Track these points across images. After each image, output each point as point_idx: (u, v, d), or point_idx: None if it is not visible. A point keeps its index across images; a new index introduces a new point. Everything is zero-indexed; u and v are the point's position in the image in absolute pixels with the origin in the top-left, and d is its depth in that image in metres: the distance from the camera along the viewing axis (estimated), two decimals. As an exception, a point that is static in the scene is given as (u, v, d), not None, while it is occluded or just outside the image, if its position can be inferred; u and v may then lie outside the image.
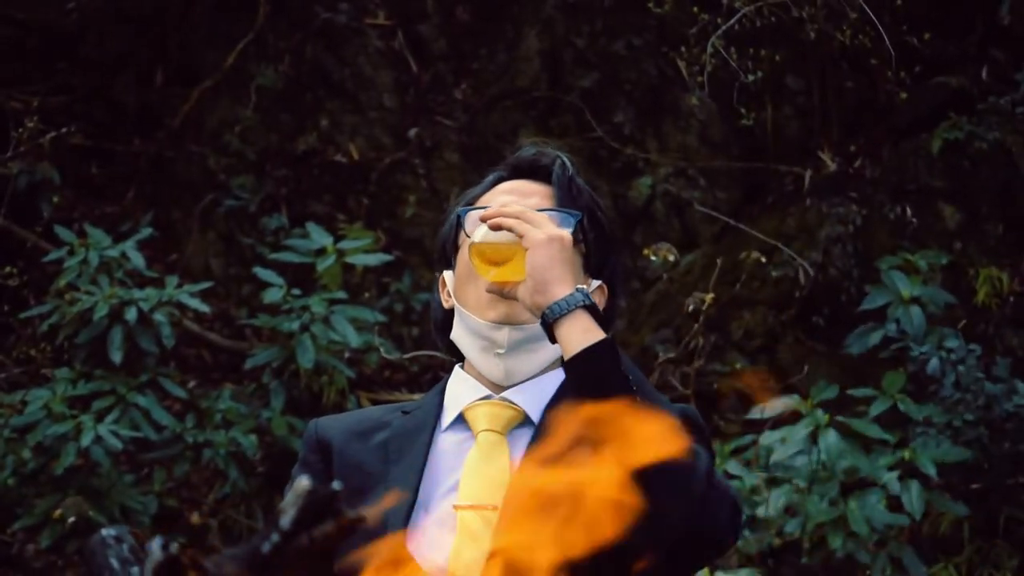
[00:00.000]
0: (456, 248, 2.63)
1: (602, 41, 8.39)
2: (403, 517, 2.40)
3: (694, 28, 7.54)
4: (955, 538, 6.41)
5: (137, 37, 8.23)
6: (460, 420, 2.55)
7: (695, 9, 7.58)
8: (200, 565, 1.71)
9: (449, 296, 2.62)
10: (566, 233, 2.43)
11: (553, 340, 2.37)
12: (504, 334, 2.52)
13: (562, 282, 2.36)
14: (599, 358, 2.31)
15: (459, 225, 2.61)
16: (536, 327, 2.46)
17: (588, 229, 2.57)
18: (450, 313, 2.62)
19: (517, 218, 2.42)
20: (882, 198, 7.61)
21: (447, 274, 2.65)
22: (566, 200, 2.58)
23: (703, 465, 2.32)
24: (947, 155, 7.52)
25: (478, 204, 2.62)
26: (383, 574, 1.86)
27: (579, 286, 2.37)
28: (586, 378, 2.32)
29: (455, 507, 2.43)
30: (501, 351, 2.52)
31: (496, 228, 2.43)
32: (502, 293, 2.46)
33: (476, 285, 2.54)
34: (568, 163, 2.61)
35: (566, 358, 2.35)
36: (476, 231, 2.47)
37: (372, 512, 2.09)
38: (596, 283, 2.60)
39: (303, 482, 1.75)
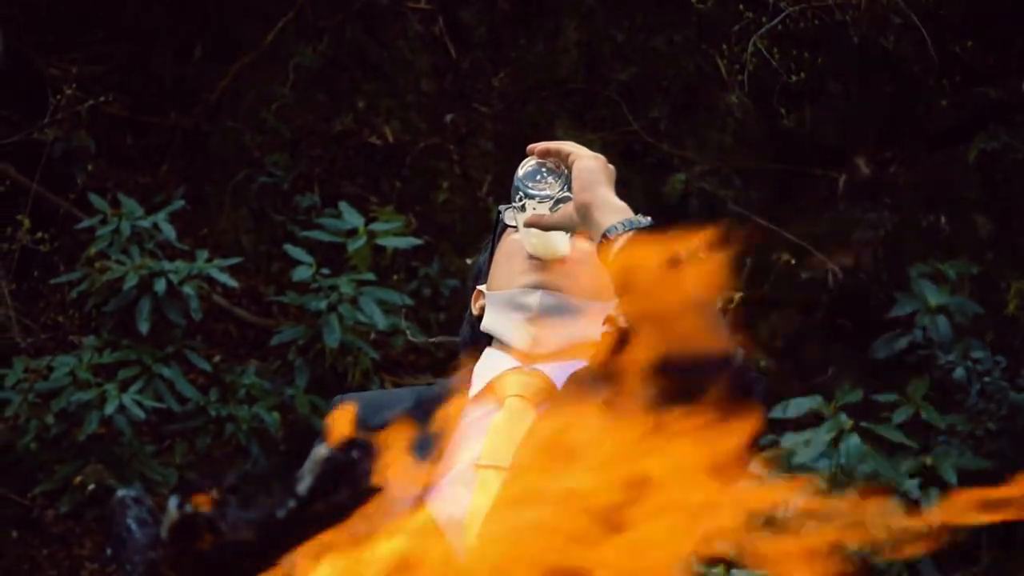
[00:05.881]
0: (491, 258, 2.65)
1: (642, 35, 8.37)
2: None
3: (736, 26, 7.53)
4: (973, 547, 6.39)
5: (178, 10, 8.25)
6: (488, 391, 2.56)
7: (740, 7, 7.55)
8: (216, 526, 1.72)
9: (483, 299, 2.63)
10: None
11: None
12: (536, 297, 2.53)
13: (607, 187, 2.39)
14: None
15: (497, 228, 2.63)
16: (569, 299, 2.48)
17: None
18: (480, 319, 2.63)
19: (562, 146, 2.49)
20: (915, 206, 7.58)
21: (482, 287, 2.66)
22: None
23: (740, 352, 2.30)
24: (982, 165, 7.49)
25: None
26: (397, 527, 1.87)
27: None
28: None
29: (476, 466, 2.44)
30: (530, 314, 2.53)
31: (544, 155, 2.47)
32: (540, 224, 2.47)
33: (510, 263, 2.56)
34: None
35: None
36: (517, 216, 2.49)
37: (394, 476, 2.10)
38: None
39: (321, 450, 1.76)
